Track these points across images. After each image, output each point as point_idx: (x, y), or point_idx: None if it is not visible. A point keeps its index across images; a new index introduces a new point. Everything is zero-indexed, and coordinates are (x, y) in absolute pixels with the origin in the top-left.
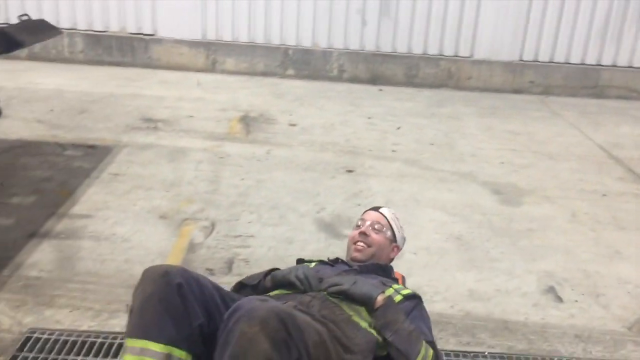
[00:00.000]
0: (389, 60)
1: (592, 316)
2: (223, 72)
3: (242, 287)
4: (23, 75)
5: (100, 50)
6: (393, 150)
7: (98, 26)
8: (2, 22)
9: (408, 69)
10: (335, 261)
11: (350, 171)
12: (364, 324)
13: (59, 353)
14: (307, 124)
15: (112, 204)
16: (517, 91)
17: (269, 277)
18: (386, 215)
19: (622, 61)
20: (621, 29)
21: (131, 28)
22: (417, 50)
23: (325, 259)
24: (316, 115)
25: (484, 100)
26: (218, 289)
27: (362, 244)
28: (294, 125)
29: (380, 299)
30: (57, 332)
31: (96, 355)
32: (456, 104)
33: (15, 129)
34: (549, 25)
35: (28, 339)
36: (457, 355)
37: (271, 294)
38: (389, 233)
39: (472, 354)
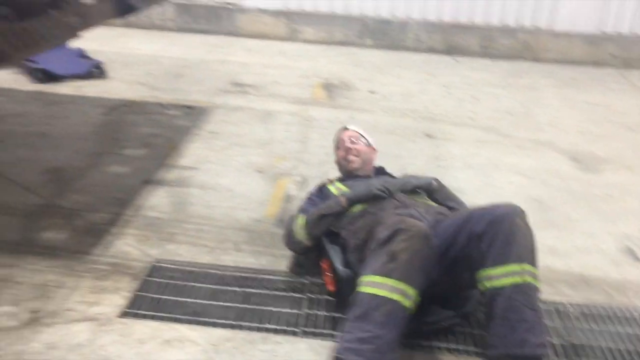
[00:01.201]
0: (465, 31)
1: None
2: (303, 41)
3: (324, 217)
4: (119, 40)
5: (189, 18)
6: (470, 118)
7: None
8: None
9: (484, 40)
10: (353, 178)
11: (429, 136)
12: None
13: (182, 280)
14: (386, 92)
15: (213, 158)
16: (596, 64)
17: (344, 200)
18: (355, 129)
19: None
20: None
21: None
22: (494, 21)
23: (331, 180)
24: (394, 83)
25: (562, 72)
26: None
27: (351, 156)
28: (373, 92)
29: (435, 183)
30: (179, 263)
31: (214, 283)
32: (533, 75)
33: (120, 89)
34: None
35: (155, 267)
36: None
37: (354, 210)
38: (364, 140)
39: (552, 304)
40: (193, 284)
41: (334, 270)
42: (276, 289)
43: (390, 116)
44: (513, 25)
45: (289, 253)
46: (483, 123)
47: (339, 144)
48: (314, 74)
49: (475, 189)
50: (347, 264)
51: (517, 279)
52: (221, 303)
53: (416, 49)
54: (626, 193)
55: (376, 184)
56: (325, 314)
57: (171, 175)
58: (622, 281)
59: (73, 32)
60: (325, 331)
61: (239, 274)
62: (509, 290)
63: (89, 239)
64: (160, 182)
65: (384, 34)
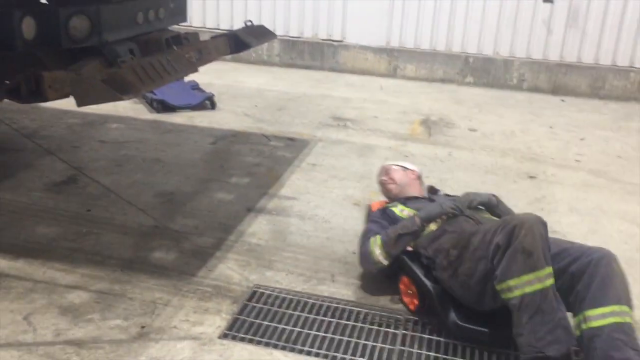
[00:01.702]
0: (573, 70)
1: None
2: (403, 77)
3: (401, 236)
4: (229, 74)
5: (294, 54)
6: (577, 160)
7: (294, 32)
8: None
9: (593, 80)
10: (411, 199)
11: (532, 177)
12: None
13: (279, 307)
14: (486, 130)
15: (312, 189)
16: None
17: (419, 220)
18: (389, 163)
19: None
20: None
21: (322, 34)
22: (605, 61)
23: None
24: (496, 122)
25: None
26: None
27: (389, 185)
28: (474, 130)
29: (494, 199)
30: (277, 290)
31: (309, 312)
32: None
33: (228, 120)
34: None
35: (254, 292)
36: None
37: (431, 227)
38: (400, 168)
39: None
40: (290, 311)
41: (418, 285)
42: (370, 323)
43: (489, 155)
44: (626, 65)
45: (384, 287)
46: (590, 166)
47: (379, 181)
48: (413, 110)
49: (582, 235)
50: (434, 280)
51: (617, 319)
52: (315, 332)
53: (520, 88)
54: None
55: (447, 202)
56: (418, 351)
57: (272, 204)
58: None
59: (193, 67)
60: None
61: (334, 304)
62: (609, 329)
63: (194, 261)
64: (261, 210)
65: (486, 72)
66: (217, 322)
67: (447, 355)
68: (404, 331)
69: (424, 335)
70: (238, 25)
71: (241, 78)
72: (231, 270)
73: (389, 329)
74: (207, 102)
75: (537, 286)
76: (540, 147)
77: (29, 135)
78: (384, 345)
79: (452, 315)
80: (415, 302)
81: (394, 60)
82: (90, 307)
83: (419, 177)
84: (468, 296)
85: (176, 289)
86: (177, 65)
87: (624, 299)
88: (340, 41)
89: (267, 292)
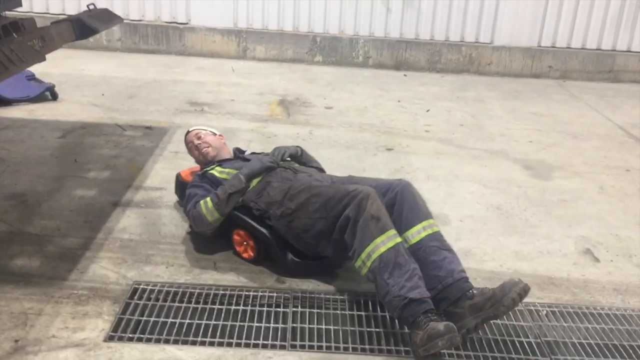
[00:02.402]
0: (412, 46)
1: (627, 273)
2: (254, 58)
3: (231, 195)
4: (66, 62)
5: (137, 38)
6: (426, 131)
7: (135, 15)
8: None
9: (431, 55)
10: (225, 161)
11: (389, 149)
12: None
13: (164, 301)
14: (342, 107)
15: None
16: (536, 76)
17: (245, 177)
18: (196, 127)
19: (637, 47)
20: (635, 16)
21: (166, 17)
22: (440, 37)
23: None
24: (349, 98)
25: (505, 85)
26: None
27: (204, 149)
28: (329, 108)
29: (299, 150)
30: (159, 284)
31: (196, 302)
32: (479, 88)
33: (74, 111)
34: (566, 12)
35: (135, 289)
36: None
37: (253, 183)
38: (209, 132)
39: (523, 304)
40: (176, 304)
41: (253, 235)
42: (260, 305)
43: (348, 131)
44: (458, 40)
45: (269, 268)
46: (439, 135)
47: (189, 147)
48: (268, 91)
49: (440, 199)
50: (268, 228)
51: (428, 231)
52: (206, 322)
53: (366, 65)
54: (578, 198)
55: (264, 158)
56: (310, 326)
57: (139, 196)
58: (584, 280)
59: (40, 56)
60: (312, 343)
61: (220, 291)
62: (426, 240)
63: (63, 265)
64: (128, 204)
65: (334, 51)
66: (99, 325)
67: (337, 326)
68: (294, 309)
69: (313, 310)
70: (74, 9)
71: (81, 66)
72: (105, 269)
73: (278, 309)
74: (47, 93)
75: (389, 244)
76: (393, 121)
77: None
78: (276, 325)
79: (290, 255)
80: (251, 252)
81: (243, 42)
82: None
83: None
84: (301, 245)
85: (48, 296)
86: (22, 55)
87: (428, 214)
88: (186, 23)
89: (149, 287)
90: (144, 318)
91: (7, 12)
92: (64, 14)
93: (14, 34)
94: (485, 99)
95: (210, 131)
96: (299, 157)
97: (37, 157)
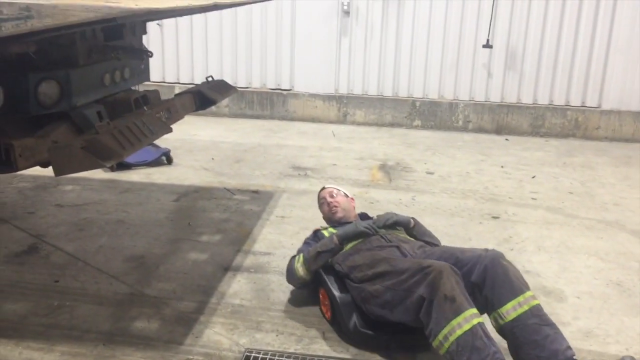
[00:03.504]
0: (514, 110)
1: None
2: (353, 123)
3: (320, 254)
4: (180, 128)
5: (243, 104)
6: (533, 198)
7: (242, 83)
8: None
9: (533, 119)
10: (341, 224)
11: (495, 217)
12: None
13: None
14: (443, 172)
15: (286, 243)
16: None
17: (337, 238)
18: (331, 186)
19: None
20: None
21: (271, 84)
22: (543, 100)
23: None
24: (450, 163)
25: (615, 150)
26: None
27: (334, 207)
28: (431, 173)
29: (412, 221)
30: (270, 353)
31: None
32: (587, 153)
33: (187, 175)
34: None
35: (247, 357)
36: None
37: (347, 248)
38: (342, 193)
39: None
40: None
41: (329, 295)
42: None
43: (451, 197)
44: (563, 104)
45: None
46: (547, 204)
47: (321, 202)
48: (368, 155)
49: (554, 273)
50: (342, 290)
51: (525, 307)
52: None
53: (465, 129)
54: None
55: (362, 223)
56: None
57: (248, 261)
58: None
59: (167, 127)
60: None
61: None
62: (524, 317)
63: (179, 328)
64: (238, 269)
65: (433, 115)
66: None
67: None
68: None
69: None
70: (186, 78)
71: (193, 131)
72: (219, 335)
73: None
74: (164, 158)
75: (466, 327)
76: (497, 187)
77: None
78: None
79: (353, 321)
80: (328, 312)
81: (343, 107)
82: None
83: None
84: (371, 312)
85: None
86: (152, 127)
87: (524, 286)
88: (290, 90)
89: (260, 355)
90: None
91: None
92: (178, 83)
93: (144, 107)
94: (595, 166)
95: (344, 192)
96: (411, 229)
97: (154, 220)
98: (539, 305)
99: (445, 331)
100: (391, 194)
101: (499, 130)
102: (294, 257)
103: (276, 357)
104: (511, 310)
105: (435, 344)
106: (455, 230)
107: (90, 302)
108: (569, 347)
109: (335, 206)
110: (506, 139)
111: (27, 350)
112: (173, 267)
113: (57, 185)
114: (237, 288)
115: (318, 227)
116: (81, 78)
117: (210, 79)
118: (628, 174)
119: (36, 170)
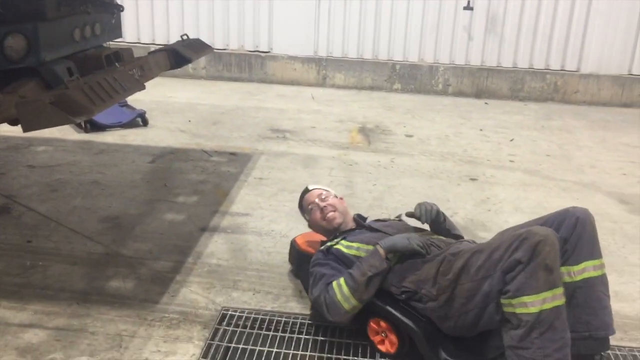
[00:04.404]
0: (494, 74)
1: None
2: (333, 86)
3: (371, 278)
4: (155, 89)
5: (220, 66)
6: (511, 161)
7: (219, 44)
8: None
9: (513, 82)
10: (349, 232)
11: (473, 179)
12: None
13: (252, 328)
14: (422, 135)
15: (264, 204)
16: (626, 105)
17: (383, 254)
18: (317, 187)
19: None
20: None
21: (249, 46)
22: (523, 64)
23: (328, 242)
24: (429, 127)
25: (593, 114)
26: None
27: (330, 213)
28: (410, 136)
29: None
30: (246, 311)
31: (283, 331)
32: (565, 117)
33: (163, 137)
34: None
35: (224, 315)
36: (612, 349)
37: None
38: (332, 193)
39: (627, 349)
40: (263, 332)
41: (396, 326)
42: (347, 337)
43: (430, 160)
44: (542, 68)
45: None
46: (524, 166)
47: (310, 208)
48: (348, 118)
49: None
50: (413, 318)
51: (598, 272)
52: (294, 352)
53: (445, 93)
54: None
55: (414, 239)
56: None
57: (226, 221)
58: None
59: (140, 84)
60: None
61: (307, 321)
62: (593, 283)
63: (155, 287)
64: (216, 229)
65: (413, 78)
66: (190, 350)
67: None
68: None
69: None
70: (162, 39)
71: (169, 93)
72: (195, 294)
73: (365, 342)
74: (139, 119)
75: (555, 303)
76: (475, 150)
77: None
78: (363, 359)
79: (442, 353)
80: (390, 347)
81: (322, 70)
82: (51, 345)
83: None
84: (462, 321)
85: (141, 319)
86: (124, 84)
87: (601, 252)
88: (268, 52)
89: (237, 313)
90: (233, 345)
91: (108, 43)
92: (153, 44)
93: (116, 64)
94: (572, 129)
95: (333, 192)
96: (441, 224)
97: (129, 181)
98: (606, 274)
99: (527, 299)
100: (370, 156)
101: (478, 94)
102: (326, 284)
103: (252, 315)
104: (586, 270)
105: (503, 302)
106: (434, 191)
107: (64, 262)
108: (612, 324)
109: (332, 211)
110: (485, 103)
111: None
112: (149, 227)
113: (29, 146)
114: (214, 248)
115: (301, 236)
116: (50, 32)
117: (185, 37)
118: (605, 138)
119: (7, 131)
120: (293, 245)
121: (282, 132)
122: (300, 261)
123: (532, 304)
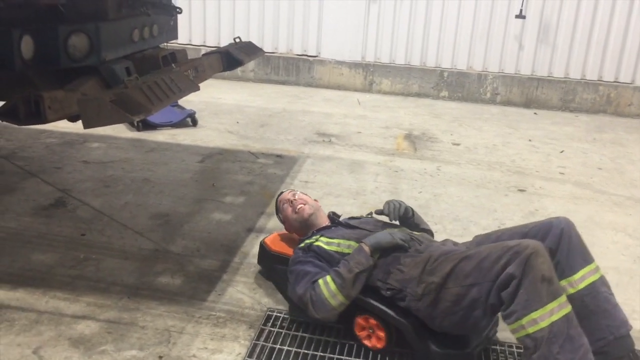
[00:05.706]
0: (544, 84)
1: None
2: (379, 92)
3: (359, 275)
4: (205, 90)
5: (269, 69)
6: (561, 173)
7: (268, 47)
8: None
9: (564, 93)
10: (324, 229)
11: (521, 190)
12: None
13: (296, 330)
14: (469, 144)
15: None
16: None
17: (369, 251)
18: (289, 190)
19: None
20: None
21: (297, 50)
22: (575, 75)
23: (307, 240)
24: (476, 135)
25: None
26: None
27: (299, 205)
28: (457, 144)
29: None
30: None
31: (328, 335)
32: (617, 130)
33: (211, 137)
34: None
35: (269, 316)
36: None
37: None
38: (303, 194)
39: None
40: (308, 334)
41: (384, 322)
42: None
43: (477, 169)
44: (595, 79)
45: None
46: (575, 179)
47: (283, 206)
48: (394, 124)
49: None
50: (402, 313)
51: (596, 276)
52: (338, 356)
53: (493, 101)
54: None
55: (397, 233)
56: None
57: (271, 223)
58: None
59: (194, 85)
60: None
61: None
62: (595, 286)
63: (202, 285)
64: (262, 230)
65: (460, 86)
66: (236, 349)
67: None
68: None
69: None
70: (213, 40)
71: (218, 94)
72: (241, 293)
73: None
74: (189, 120)
75: (563, 312)
76: (524, 160)
77: (7, 156)
78: None
79: (432, 346)
80: (377, 343)
81: (369, 75)
82: (102, 337)
83: None
84: (449, 320)
85: (189, 316)
86: (180, 84)
87: (591, 256)
88: (316, 56)
89: (282, 315)
90: (278, 346)
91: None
92: (204, 46)
93: (172, 65)
94: (625, 142)
95: (301, 191)
96: (410, 219)
97: (179, 180)
98: (604, 275)
99: (535, 315)
100: (416, 164)
101: (527, 104)
102: (312, 282)
103: (297, 317)
104: (583, 278)
105: (513, 326)
106: (481, 201)
107: (116, 256)
108: (627, 320)
109: (302, 204)
110: (535, 113)
111: (53, 300)
112: (197, 226)
113: (84, 142)
114: None
115: (271, 237)
116: (110, 32)
117: (238, 39)
118: None
119: (64, 127)
120: (262, 246)
121: (328, 137)
122: (271, 262)
123: (541, 319)
